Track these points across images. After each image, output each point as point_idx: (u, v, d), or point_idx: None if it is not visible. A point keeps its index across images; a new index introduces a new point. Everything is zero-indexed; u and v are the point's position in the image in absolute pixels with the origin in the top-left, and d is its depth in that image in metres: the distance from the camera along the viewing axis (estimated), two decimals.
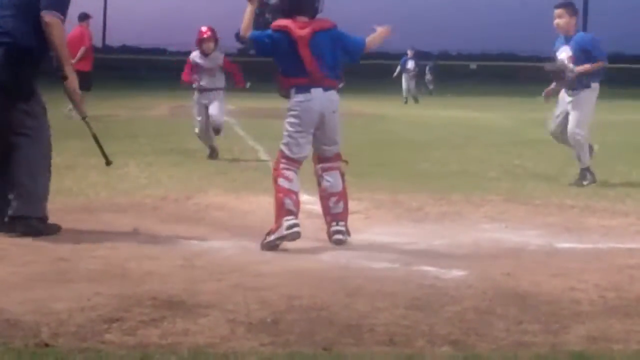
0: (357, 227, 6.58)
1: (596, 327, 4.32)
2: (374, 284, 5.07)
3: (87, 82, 18.48)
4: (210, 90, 12.05)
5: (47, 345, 3.90)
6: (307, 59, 6.21)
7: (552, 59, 9.96)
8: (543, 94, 10.06)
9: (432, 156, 12.51)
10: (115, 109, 22.03)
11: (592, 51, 9.64)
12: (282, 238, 6.07)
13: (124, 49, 75.79)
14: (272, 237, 6.09)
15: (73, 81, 6.55)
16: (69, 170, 9.88)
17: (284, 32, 6.25)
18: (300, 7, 6.30)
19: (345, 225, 6.30)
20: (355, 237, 6.33)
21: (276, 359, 3.82)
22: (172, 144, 13.45)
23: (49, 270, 5.34)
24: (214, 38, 12.16)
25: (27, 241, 6.10)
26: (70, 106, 17.30)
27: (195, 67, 12.12)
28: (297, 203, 6.17)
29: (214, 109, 11.94)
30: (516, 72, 54.34)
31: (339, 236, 6.24)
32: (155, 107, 24.22)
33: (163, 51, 78.93)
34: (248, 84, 12.40)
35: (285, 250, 6.05)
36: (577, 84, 9.63)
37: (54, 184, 8.57)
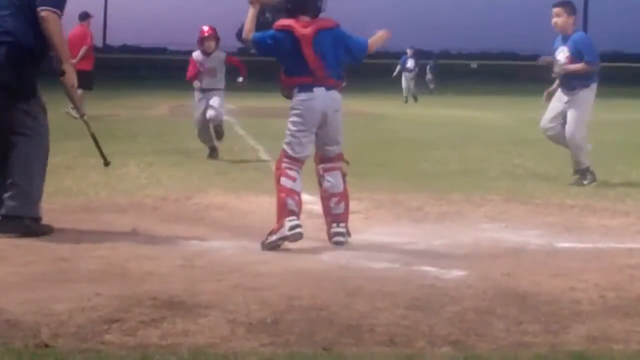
0: (357, 227, 6.58)
1: (596, 327, 4.32)
2: (374, 284, 5.07)
3: (88, 81, 18.49)
4: (211, 90, 12.03)
5: (47, 345, 3.90)
6: (310, 58, 6.21)
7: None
8: (545, 94, 10.06)
9: (432, 156, 12.50)
10: (115, 108, 22.03)
11: (584, 54, 9.64)
12: (285, 238, 6.07)
13: (125, 48, 75.86)
14: (274, 238, 6.09)
15: (71, 77, 6.53)
16: (69, 170, 9.89)
17: (287, 31, 6.25)
18: (304, 6, 6.30)
19: (346, 226, 6.30)
20: (355, 237, 6.33)
21: (276, 359, 3.82)
22: (172, 144, 13.44)
23: (49, 270, 5.34)
24: (215, 37, 12.14)
25: (27, 241, 6.10)
26: (72, 105, 17.40)
27: (198, 67, 12.08)
28: (299, 203, 6.17)
29: (213, 103, 11.89)
30: (516, 71, 54.38)
31: (339, 238, 6.23)
32: (155, 107, 24.20)
33: (163, 50, 79.01)
34: (242, 80, 12.41)
35: (285, 250, 6.05)
36: (575, 83, 9.63)
37: (54, 184, 8.61)
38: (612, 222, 7.28)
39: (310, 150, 6.34)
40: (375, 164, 10.97)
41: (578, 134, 9.60)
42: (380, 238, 6.53)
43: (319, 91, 6.22)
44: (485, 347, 4.02)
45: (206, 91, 12.04)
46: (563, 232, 6.88)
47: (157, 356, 3.79)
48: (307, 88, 6.22)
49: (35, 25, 6.32)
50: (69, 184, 8.89)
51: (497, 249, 6.21)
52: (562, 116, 9.70)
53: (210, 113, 11.87)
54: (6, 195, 6.33)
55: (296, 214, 6.10)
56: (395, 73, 32.88)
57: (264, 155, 11.86)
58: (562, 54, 9.72)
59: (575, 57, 9.63)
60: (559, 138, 9.80)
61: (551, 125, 9.77)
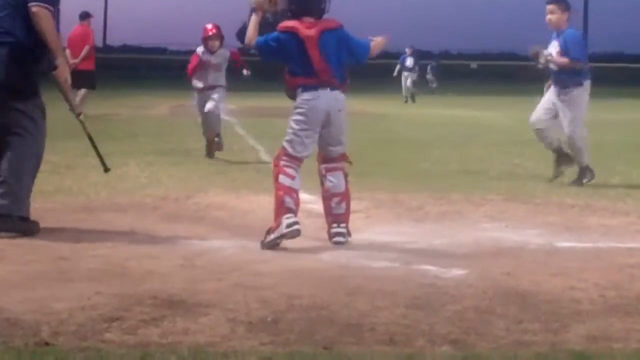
0: (357, 227, 6.58)
1: (596, 326, 4.32)
2: (374, 283, 5.07)
3: (91, 80, 18.49)
4: (213, 87, 11.99)
5: (47, 344, 3.90)
6: (315, 59, 6.20)
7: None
8: (545, 87, 10.07)
9: (432, 155, 12.51)
10: (115, 108, 22.05)
11: (570, 50, 9.64)
12: (282, 236, 6.07)
13: (125, 48, 75.85)
14: (272, 236, 6.09)
15: (64, 71, 6.51)
16: (69, 169, 9.89)
17: (292, 32, 6.24)
18: (307, 7, 6.30)
19: (347, 227, 6.30)
20: (355, 237, 6.33)
21: (276, 358, 3.82)
22: (172, 144, 13.45)
23: (49, 269, 5.34)
24: (220, 36, 12.07)
25: (27, 240, 6.10)
26: (76, 102, 17.38)
27: (202, 63, 12.01)
28: (297, 201, 6.16)
29: (214, 96, 11.82)
30: (516, 71, 54.33)
31: (339, 238, 6.23)
32: (155, 107, 24.22)
33: (163, 50, 79.04)
34: (247, 72, 12.44)
35: (285, 249, 6.05)
36: (567, 80, 9.63)
37: (54, 184, 8.63)
38: (612, 222, 7.28)
39: (311, 150, 6.33)
40: (375, 163, 10.98)
41: (577, 135, 9.60)
42: (381, 237, 6.53)
43: (323, 91, 6.22)
44: (485, 346, 4.02)
45: (208, 89, 11.99)
46: (563, 232, 6.88)
47: (158, 355, 3.79)
48: (311, 88, 6.22)
49: (33, 24, 6.32)
50: (69, 183, 8.89)
51: (497, 249, 6.22)
52: (554, 112, 9.70)
53: (209, 105, 11.80)
54: None
55: (294, 211, 6.10)
56: (395, 73, 32.90)
57: (264, 155, 11.85)
58: (553, 48, 9.76)
59: (564, 52, 9.65)
60: (545, 134, 9.76)
61: (542, 118, 9.76)
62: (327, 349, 3.94)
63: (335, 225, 6.27)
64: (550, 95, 9.81)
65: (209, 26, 12.12)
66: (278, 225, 6.07)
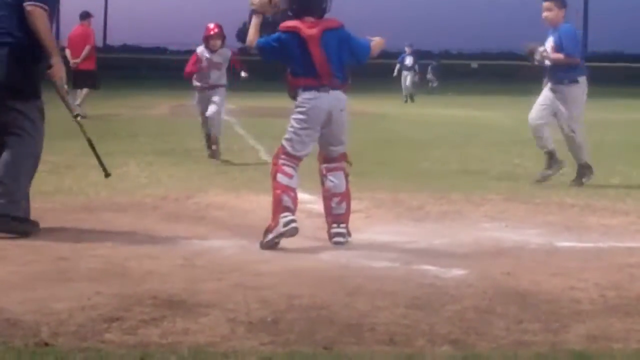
0: (357, 226, 6.58)
1: (596, 326, 4.32)
2: (374, 283, 5.07)
3: (94, 80, 18.49)
4: (214, 87, 11.97)
5: (47, 344, 3.90)
6: (317, 58, 6.20)
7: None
8: (544, 85, 10.08)
9: (432, 155, 12.51)
10: (116, 108, 22.04)
11: (564, 45, 9.63)
12: (281, 235, 6.06)
13: (125, 48, 75.95)
14: (270, 236, 6.08)
15: (59, 69, 6.49)
16: (69, 169, 9.89)
17: (294, 32, 6.23)
18: (309, 7, 6.30)
19: (347, 227, 6.29)
20: (355, 236, 6.33)
21: (276, 358, 3.82)
22: (172, 144, 13.44)
23: (49, 269, 5.34)
24: (222, 35, 12.03)
25: (28, 241, 6.10)
26: (78, 102, 17.41)
27: (203, 62, 11.98)
28: (295, 200, 6.14)
29: (215, 99, 11.81)
30: (516, 71, 54.34)
31: (339, 238, 6.23)
32: (155, 107, 24.22)
33: (163, 50, 79.13)
34: (245, 74, 12.44)
35: (285, 249, 6.05)
36: (561, 75, 9.63)
37: (54, 184, 8.63)
38: (612, 221, 7.29)
39: (310, 149, 6.33)
40: (375, 163, 10.98)
41: (576, 133, 9.60)
42: (381, 237, 6.53)
43: (325, 90, 6.22)
44: (485, 346, 4.02)
45: (209, 89, 11.96)
46: (563, 232, 6.88)
47: (158, 355, 3.79)
48: (312, 88, 6.22)
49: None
50: (69, 183, 8.89)
51: (497, 248, 6.22)
52: (551, 109, 9.70)
53: (211, 110, 11.77)
54: None
55: (291, 210, 6.09)
56: (395, 72, 32.90)
57: (264, 155, 11.84)
58: (548, 44, 9.77)
59: (558, 47, 9.65)
60: (543, 130, 9.75)
61: (540, 114, 9.75)
62: (327, 349, 3.94)
63: (335, 225, 6.26)
64: (546, 91, 9.82)
65: (211, 25, 12.10)
66: (276, 224, 6.06)
